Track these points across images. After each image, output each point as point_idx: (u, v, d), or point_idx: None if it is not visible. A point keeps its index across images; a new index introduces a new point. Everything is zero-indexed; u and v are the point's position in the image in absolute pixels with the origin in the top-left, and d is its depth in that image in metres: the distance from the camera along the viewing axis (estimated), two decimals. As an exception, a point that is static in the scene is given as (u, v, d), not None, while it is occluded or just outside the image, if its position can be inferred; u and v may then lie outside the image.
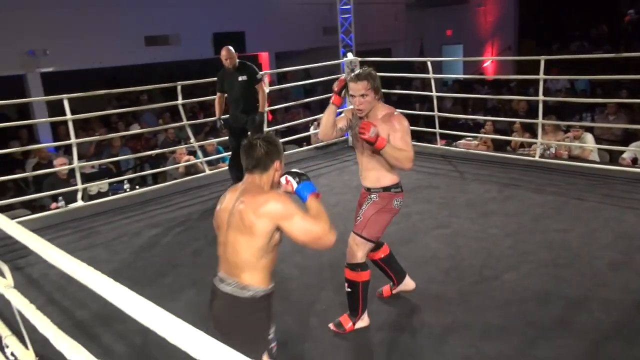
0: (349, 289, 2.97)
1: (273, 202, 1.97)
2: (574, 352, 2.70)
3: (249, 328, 2.06)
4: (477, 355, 2.72)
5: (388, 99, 10.92)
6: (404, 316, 3.18)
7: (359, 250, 2.92)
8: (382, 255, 3.23)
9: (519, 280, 3.44)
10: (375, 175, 2.92)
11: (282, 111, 10.55)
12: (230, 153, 5.77)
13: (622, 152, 5.99)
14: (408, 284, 3.32)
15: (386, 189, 2.92)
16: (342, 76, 2.95)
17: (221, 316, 2.07)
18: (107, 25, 9.91)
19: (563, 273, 3.49)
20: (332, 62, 8.08)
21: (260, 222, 1.95)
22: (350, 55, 7.55)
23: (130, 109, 8.28)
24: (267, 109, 6.00)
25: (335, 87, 2.92)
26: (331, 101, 2.91)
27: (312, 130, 7.68)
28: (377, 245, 3.20)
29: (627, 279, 3.36)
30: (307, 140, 7.81)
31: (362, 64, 7.08)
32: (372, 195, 2.94)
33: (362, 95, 2.78)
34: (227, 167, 5.90)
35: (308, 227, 1.97)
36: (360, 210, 2.97)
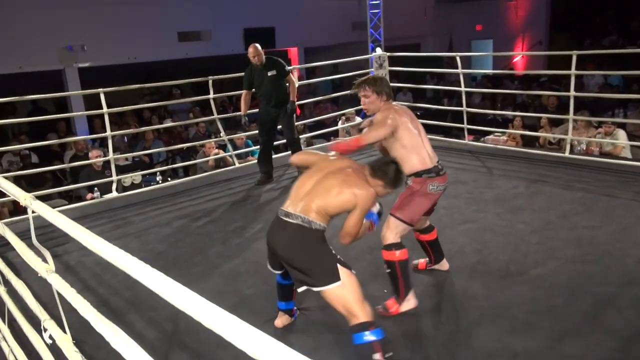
0: (388, 270, 3.06)
1: None
2: (602, 349, 2.67)
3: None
4: (503, 350, 2.72)
5: (421, 94, 10.89)
6: (430, 309, 3.20)
7: (390, 232, 3.03)
8: (430, 239, 3.44)
9: (546, 276, 3.42)
10: (403, 165, 3.06)
11: (311, 106, 10.61)
12: (259, 147, 5.87)
13: (656, 149, 5.87)
14: (443, 264, 3.55)
15: (417, 174, 3.06)
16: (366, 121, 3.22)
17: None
18: (141, 21, 10.15)
19: (592, 270, 3.46)
20: (361, 57, 8.10)
21: None
22: (378, 50, 7.55)
23: (162, 103, 8.46)
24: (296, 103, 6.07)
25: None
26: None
27: (340, 125, 7.72)
28: (428, 229, 3.41)
29: (658, 277, 3.31)
30: (335, 134, 7.86)
31: (390, 59, 7.08)
32: (407, 181, 3.09)
33: (364, 96, 3.10)
34: (256, 161, 6.00)
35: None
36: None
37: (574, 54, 5.65)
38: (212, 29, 11.14)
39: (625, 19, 14.61)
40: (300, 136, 7.46)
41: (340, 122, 7.80)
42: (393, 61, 7.15)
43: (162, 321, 3.18)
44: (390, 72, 7.10)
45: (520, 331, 2.86)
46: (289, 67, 5.62)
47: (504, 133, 7.05)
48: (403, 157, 3.02)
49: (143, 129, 7.39)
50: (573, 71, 5.70)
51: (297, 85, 5.90)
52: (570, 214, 4.37)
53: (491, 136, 7.03)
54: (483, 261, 3.68)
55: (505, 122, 8.35)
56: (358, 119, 7.79)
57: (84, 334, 2.25)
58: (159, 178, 6.28)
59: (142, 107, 8.68)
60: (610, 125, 6.11)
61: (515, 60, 15.25)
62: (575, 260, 3.60)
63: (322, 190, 2.54)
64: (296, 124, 6.83)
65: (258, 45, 5.42)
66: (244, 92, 5.63)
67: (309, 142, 7.62)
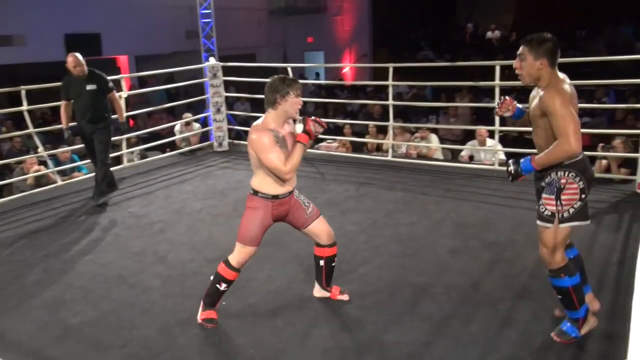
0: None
1: None
2: (419, 334, 2.97)
3: None
4: (335, 347, 2.88)
5: (260, 103, 11.00)
6: (267, 317, 3.25)
7: None
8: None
9: (373, 272, 3.71)
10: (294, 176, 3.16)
11: (144, 116, 10.14)
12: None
13: (461, 150, 6.73)
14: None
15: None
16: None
17: None
18: None
19: (411, 262, 3.83)
20: (195, 66, 7.98)
21: None
22: (212, 60, 7.51)
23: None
24: (126, 114, 5.80)
25: (313, 129, 2.97)
26: (304, 142, 2.99)
27: (177, 130, 7.49)
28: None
29: (464, 263, 3.78)
30: (170, 146, 7.60)
31: (224, 68, 7.08)
32: (301, 197, 3.25)
33: None
34: (82, 177, 5.62)
35: None
36: (305, 213, 3.22)
37: (390, 66, 6.22)
38: (26, 33, 10.10)
39: (435, 36, 16.53)
40: (134, 148, 7.12)
41: (178, 126, 7.55)
42: (227, 71, 7.16)
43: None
44: (225, 81, 7.11)
45: (350, 327, 3.06)
46: (112, 85, 5.29)
47: (335, 140, 7.47)
48: None
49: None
50: (390, 82, 6.27)
51: (125, 96, 5.62)
52: (393, 213, 4.80)
53: (324, 143, 7.41)
54: (317, 264, 3.85)
55: (337, 130, 8.87)
56: (197, 125, 7.60)
57: None
58: (-37, 202, 5.50)
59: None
60: (425, 130, 6.85)
61: (344, 71, 16.26)
62: (397, 255, 3.96)
63: None
64: (128, 136, 6.51)
65: (79, 55, 5.06)
66: (63, 103, 5.21)
67: (143, 155, 7.27)
